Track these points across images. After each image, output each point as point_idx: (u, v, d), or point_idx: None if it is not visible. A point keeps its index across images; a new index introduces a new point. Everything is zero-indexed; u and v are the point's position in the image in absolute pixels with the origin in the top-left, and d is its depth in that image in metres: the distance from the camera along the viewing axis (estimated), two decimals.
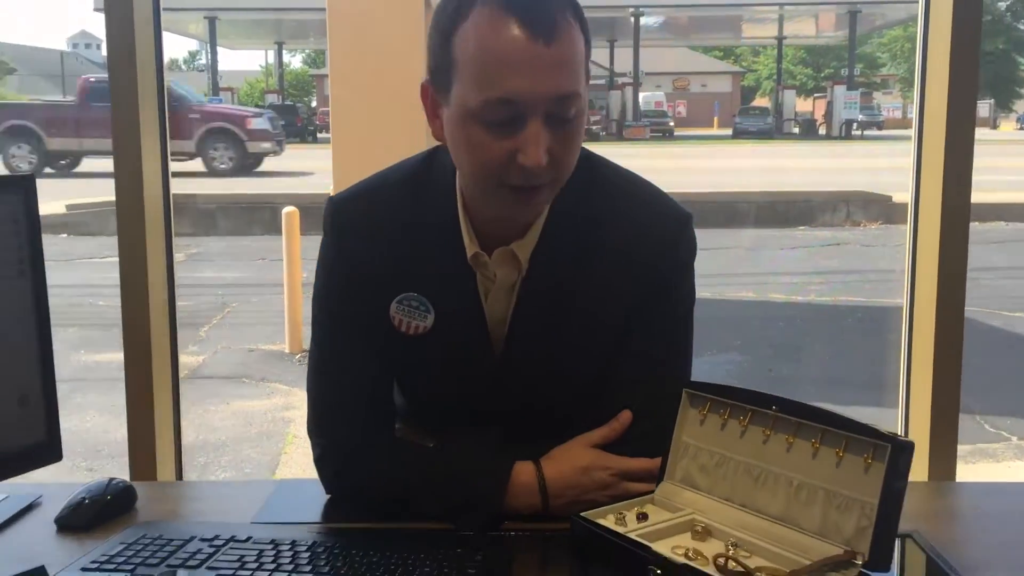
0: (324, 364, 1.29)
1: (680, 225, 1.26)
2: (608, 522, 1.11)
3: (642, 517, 1.12)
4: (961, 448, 4.14)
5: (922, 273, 2.19)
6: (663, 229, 1.25)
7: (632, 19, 29.96)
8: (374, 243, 1.24)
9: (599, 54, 34.04)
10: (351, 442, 1.28)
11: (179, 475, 2.34)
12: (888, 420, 2.42)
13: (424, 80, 1.18)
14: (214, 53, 29.36)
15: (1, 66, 46.46)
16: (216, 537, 1.14)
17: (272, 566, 1.07)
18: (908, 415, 2.25)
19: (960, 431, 2.21)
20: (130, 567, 1.07)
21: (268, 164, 18.18)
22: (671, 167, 16.79)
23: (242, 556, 1.09)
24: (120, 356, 2.21)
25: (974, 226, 2.15)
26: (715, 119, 44.64)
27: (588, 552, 1.10)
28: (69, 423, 4.64)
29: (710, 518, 1.11)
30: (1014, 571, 1.14)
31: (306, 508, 1.29)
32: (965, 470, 4.12)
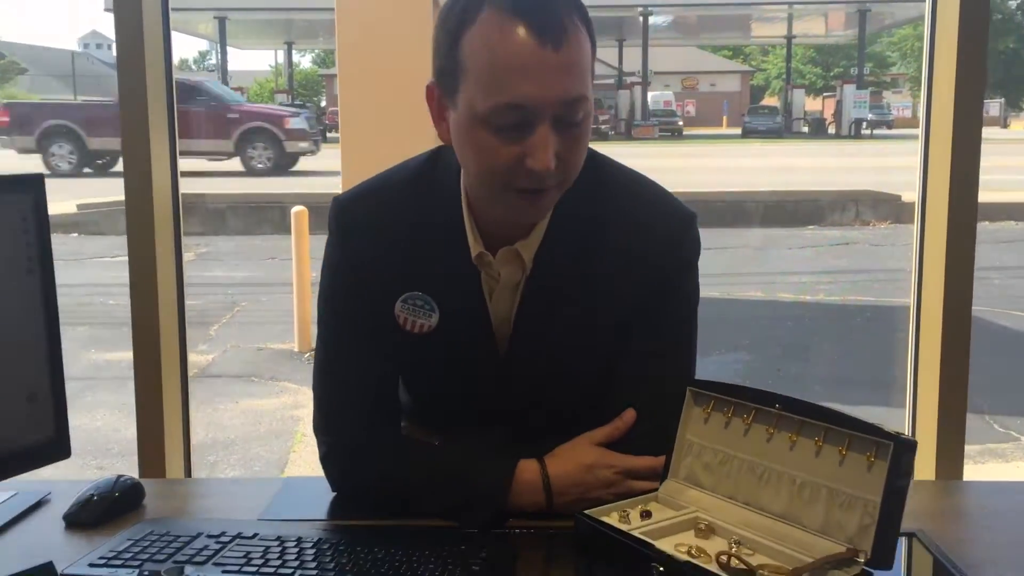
0: (330, 363, 1.30)
1: (684, 224, 1.26)
2: (612, 520, 1.11)
3: (646, 515, 1.13)
4: (970, 448, 4.15)
5: (929, 272, 2.19)
6: (667, 228, 1.25)
7: (641, 18, 29.91)
8: (379, 242, 1.25)
9: (608, 53, 34.03)
10: (357, 440, 1.28)
11: (188, 473, 2.36)
12: (896, 420, 2.41)
13: (430, 82, 1.18)
14: (224, 53, 29.43)
15: (12, 66, 46.67)
16: (223, 534, 1.15)
17: (278, 562, 1.08)
18: (915, 414, 2.24)
19: (969, 431, 2.20)
20: (137, 563, 1.08)
21: (302, 164, 18.22)
22: (680, 166, 16.77)
23: (248, 553, 1.10)
24: (130, 355, 2.22)
25: (984, 225, 2.16)
26: (724, 118, 44.56)
27: (592, 550, 1.11)
28: (79, 421, 4.66)
29: (713, 516, 1.11)
30: (1019, 570, 1.14)
31: (312, 505, 1.30)
32: (974, 470, 4.11)
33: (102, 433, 4.61)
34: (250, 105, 21.06)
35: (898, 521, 0.98)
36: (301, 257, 6.27)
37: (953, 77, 2.08)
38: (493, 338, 1.26)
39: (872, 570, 0.97)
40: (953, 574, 1.10)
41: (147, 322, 2.20)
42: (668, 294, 1.26)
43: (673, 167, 14.64)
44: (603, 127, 29.62)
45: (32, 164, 16.27)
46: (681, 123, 36.87)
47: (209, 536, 1.15)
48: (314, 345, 1.35)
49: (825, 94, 43.11)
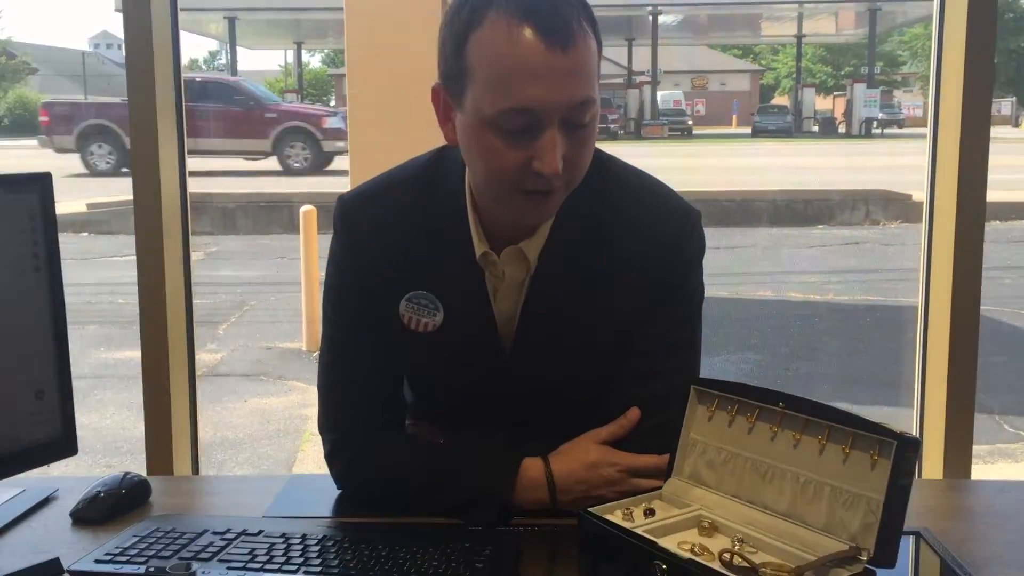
0: (334, 361, 1.30)
1: (688, 223, 1.26)
2: (615, 518, 1.11)
3: (649, 513, 1.13)
4: (980, 448, 4.14)
5: (937, 272, 2.18)
6: (671, 227, 1.26)
7: (650, 18, 29.87)
8: (383, 241, 1.25)
9: (617, 53, 33.97)
10: (361, 438, 1.29)
11: (195, 471, 2.36)
12: (905, 419, 2.41)
13: (435, 83, 1.18)
14: (234, 53, 29.49)
15: (23, 66, 46.88)
16: (228, 530, 1.16)
17: (282, 559, 1.09)
18: (923, 414, 2.24)
19: (979, 431, 2.20)
20: (143, 560, 1.09)
21: (336, 163, 18.27)
22: (689, 166, 16.73)
23: (253, 549, 1.11)
24: (139, 353, 2.23)
25: (995, 225, 2.16)
26: (734, 117, 44.42)
27: (595, 547, 1.11)
28: (88, 420, 4.68)
29: (717, 514, 1.11)
30: None
31: (317, 502, 1.31)
32: (984, 470, 4.10)
33: (111, 431, 4.63)
34: (288, 105, 21.05)
35: (901, 519, 0.98)
36: (310, 256, 6.29)
37: (961, 76, 2.08)
38: (497, 337, 1.26)
39: (875, 568, 0.97)
40: (957, 573, 1.10)
41: (155, 320, 2.22)
42: (672, 292, 1.26)
43: (682, 166, 14.61)
44: (612, 127, 29.55)
45: (70, 164, 16.33)
46: (691, 122, 36.75)
47: (214, 533, 1.15)
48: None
49: (835, 93, 42.95)
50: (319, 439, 1.35)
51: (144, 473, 1.45)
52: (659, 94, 34.52)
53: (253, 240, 11.13)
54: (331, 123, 18.05)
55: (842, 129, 33.63)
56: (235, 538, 1.14)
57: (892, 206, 12.30)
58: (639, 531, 1.07)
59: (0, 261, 1.18)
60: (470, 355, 1.27)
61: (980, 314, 2.17)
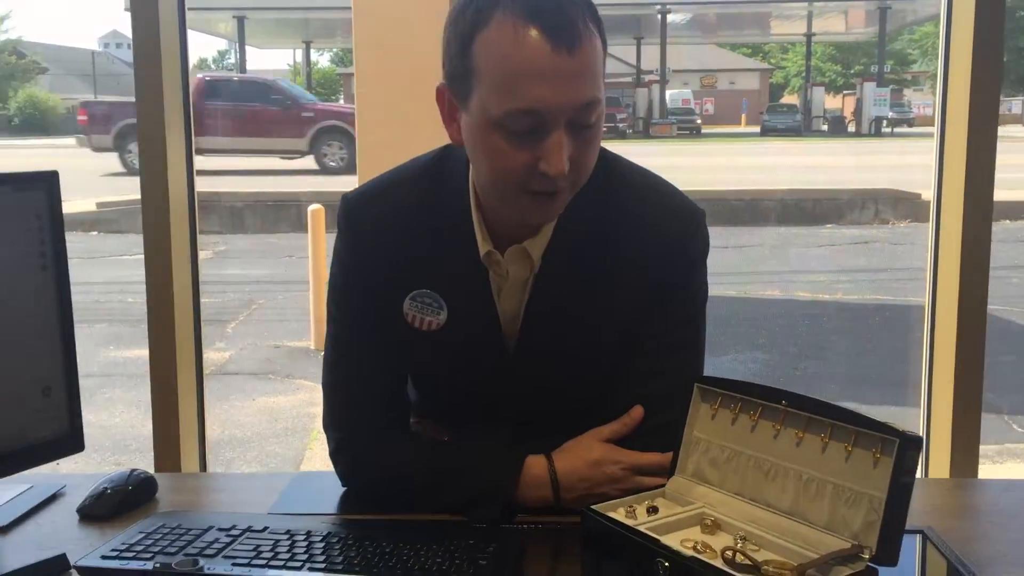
0: (339, 359, 1.31)
1: (692, 222, 1.27)
2: (618, 515, 1.11)
3: (652, 511, 1.13)
4: (989, 448, 4.12)
5: (944, 271, 2.18)
6: (675, 225, 1.26)
7: (659, 16, 29.82)
8: (387, 240, 1.26)
9: (626, 51, 33.92)
10: (365, 436, 1.29)
11: (203, 469, 2.38)
12: (912, 419, 2.41)
13: (440, 84, 1.18)
14: (243, 52, 29.55)
15: (33, 65, 47.05)
16: (233, 527, 1.16)
17: (287, 555, 1.09)
18: (930, 413, 2.24)
19: (988, 431, 2.20)
20: (149, 555, 1.09)
21: None
22: (698, 165, 16.71)
23: (258, 546, 1.11)
24: (148, 352, 2.24)
25: (1005, 224, 2.15)
26: (743, 116, 44.30)
27: (598, 544, 1.11)
28: (97, 418, 4.70)
29: (720, 512, 1.11)
30: None
31: (322, 499, 1.31)
32: (992, 470, 4.08)
33: (119, 429, 4.65)
34: (325, 104, 21.08)
35: (903, 517, 0.98)
36: (318, 255, 6.30)
37: (969, 74, 2.07)
38: (501, 336, 1.26)
39: (877, 567, 0.97)
40: (961, 572, 1.10)
41: (163, 319, 2.23)
42: (676, 292, 1.26)
43: (691, 165, 14.61)
44: (621, 125, 29.52)
45: (108, 163, 16.41)
46: (699, 121, 36.70)
47: (220, 529, 1.16)
48: None
49: (845, 92, 42.84)
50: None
51: (152, 471, 1.46)
52: (668, 93, 34.49)
53: (261, 239, 11.16)
54: None
55: (852, 128, 33.53)
56: (240, 534, 1.15)
57: (902, 205, 12.26)
58: (642, 528, 1.07)
59: (7, 259, 1.19)
60: (474, 354, 1.27)
61: (987, 313, 2.17)
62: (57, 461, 1.33)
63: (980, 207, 2.11)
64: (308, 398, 5.17)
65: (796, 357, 6.13)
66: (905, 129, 34.08)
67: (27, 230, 1.20)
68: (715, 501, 1.13)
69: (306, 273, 6.49)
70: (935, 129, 2.21)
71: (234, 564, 1.07)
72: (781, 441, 1.09)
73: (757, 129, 36.09)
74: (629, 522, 1.09)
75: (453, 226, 1.24)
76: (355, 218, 1.28)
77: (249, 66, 32.49)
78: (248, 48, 30.14)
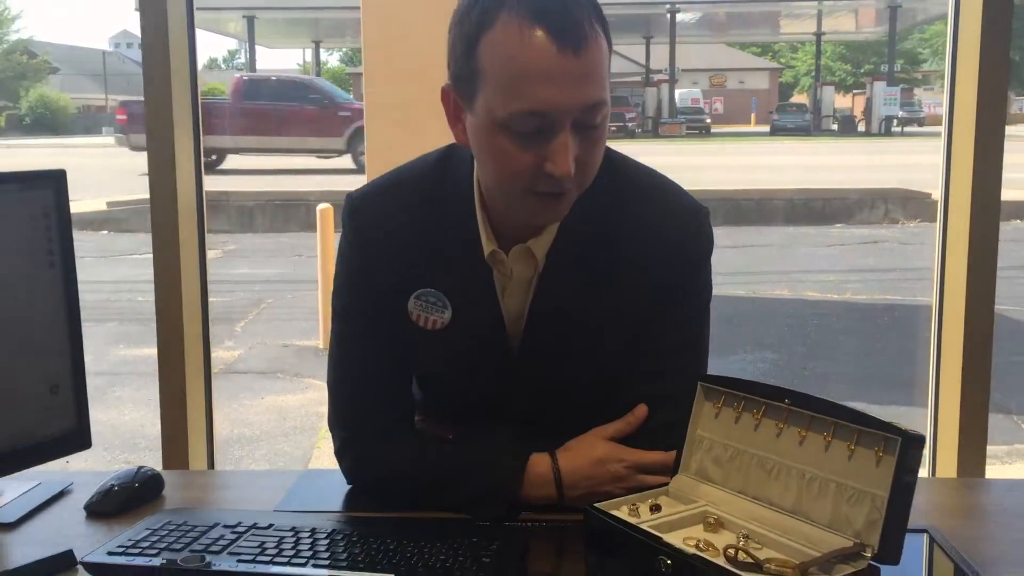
0: (343, 358, 1.31)
1: (696, 222, 1.27)
2: (621, 513, 1.11)
3: (655, 509, 1.13)
4: (998, 449, 4.11)
5: (951, 270, 2.18)
6: (679, 224, 1.26)
7: (668, 15, 29.79)
8: (392, 239, 1.26)
9: (635, 51, 33.91)
10: (370, 434, 1.30)
11: (211, 467, 2.39)
12: (919, 419, 2.40)
13: (445, 84, 1.18)
14: (252, 52, 29.64)
15: (44, 65, 47.25)
16: (239, 524, 1.17)
17: (291, 552, 1.10)
18: (937, 413, 2.23)
19: (997, 432, 2.19)
20: (154, 551, 1.10)
21: None
22: (707, 164, 16.70)
23: (263, 542, 1.12)
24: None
25: (1015, 224, 2.14)
26: (752, 116, 44.24)
27: (601, 542, 1.11)
28: (107, 416, 4.73)
29: (723, 510, 1.12)
30: None
31: (327, 497, 1.32)
32: (1001, 470, 4.07)
33: (129, 428, 4.67)
34: (362, 103, 21.18)
35: (905, 516, 0.98)
36: (326, 254, 6.32)
37: (976, 74, 2.07)
38: (505, 335, 1.27)
39: (879, 565, 0.98)
40: (964, 571, 1.10)
41: (171, 318, 2.24)
42: (680, 290, 1.26)
43: (700, 165, 14.59)
44: (630, 125, 29.50)
45: (144, 163, 16.49)
46: (709, 121, 36.65)
47: (225, 526, 1.16)
48: None
49: (855, 91, 42.75)
50: None
51: (160, 469, 1.47)
52: (677, 92, 34.43)
53: (271, 238, 11.19)
54: None
55: (862, 127, 33.45)
56: (246, 531, 1.15)
57: (911, 205, 12.23)
58: (644, 527, 1.07)
59: (15, 257, 1.20)
60: (478, 353, 1.27)
61: (996, 313, 2.16)
62: (67, 459, 1.34)
63: (988, 206, 2.10)
64: (317, 397, 5.18)
65: (805, 357, 6.12)
66: (915, 128, 33.97)
67: (35, 228, 1.21)
68: (718, 499, 1.14)
69: (315, 272, 6.50)
70: (943, 128, 2.21)
71: (239, 560, 1.08)
72: (784, 440, 1.10)
73: (767, 128, 36.04)
74: (632, 520, 1.10)
75: (457, 225, 1.24)
76: (359, 217, 1.28)
77: (259, 66, 32.55)
78: (258, 48, 30.19)
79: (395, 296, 1.26)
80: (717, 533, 1.09)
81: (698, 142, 29.46)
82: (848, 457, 1.03)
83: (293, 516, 1.22)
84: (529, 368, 1.27)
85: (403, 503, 1.25)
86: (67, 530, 1.23)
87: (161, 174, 2.21)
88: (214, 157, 18.32)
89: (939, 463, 2.20)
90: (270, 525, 1.17)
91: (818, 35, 35.29)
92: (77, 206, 11.36)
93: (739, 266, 8.71)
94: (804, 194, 12.61)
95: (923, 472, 1.14)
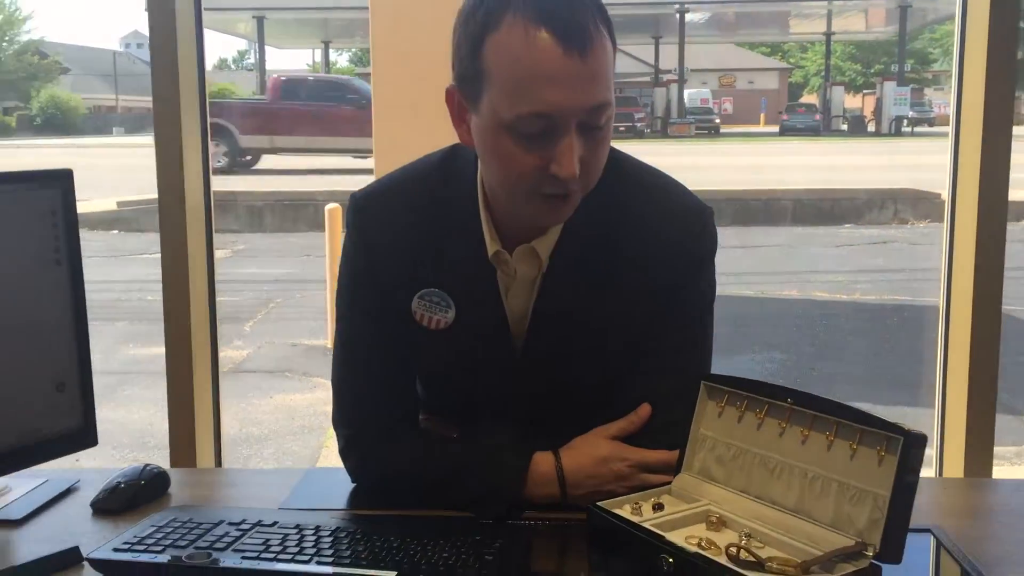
0: (348, 357, 1.32)
1: (699, 222, 1.27)
2: (624, 512, 1.12)
3: (658, 507, 1.14)
4: (1007, 449, 4.09)
5: (959, 271, 2.17)
6: (682, 224, 1.26)
7: (677, 15, 29.77)
8: (396, 239, 1.26)
9: (644, 51, 33.87)
10: (374, 433, 1.30)
11: (218, 465, 2.40)
12: (926, 419, 2.40)
13: (450, 85, 1.18)
14: (262, 52, 29.75)
15: (55, 66, 47.42)
16: (243, 521, 1.18)
17: (295, 549, 1.10)
18: (944, 412, 2.23)
19: (1007, 432, 2.19)
20: (160, 548, 1.11)
21: None
22: (716, 164, 16.67)
23: (268, 540, 1.13)
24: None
25: None
26: (762, 116, 44.13)
27: (604, 541, 1.12)
28: (116, 415, 4.75)
29: (725, 509, 1.12)
30: None
31: (332, 495, 1.32)
32: (1010, 471, 4.05)
33: (138, 426, 4.69)
34: None
35: (907, 516, 0.98)
36: (335, 254, 6.30)
37: (983, 74, 2.07)
38: (509, 334, 1.27)
39: (881, 564, 0.98)
40: (967, 570, 1.10)
41: (179, 317, 2.25)
42: (683, 290, 1.26)
43: (709, 165, 14.58)
44: (639, 125, 29.46)
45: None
46: (718, 121, 36.58)
47: (230, 523, 1.17)
48: None
49: (865, 91, 42.59)
50: None
51: (167, 467, 1.48)
52: (686, 92, 34.37)
53: (280, 238, 11.22)
54: None
55: (872, 127, 33.33)
56: (250, 528, 1.16)
57: (921, 205, 12.20)
58: (647, 525, 1.08)
59: (22, 255, 1.21)
60: (481, 353, 1.28)
61: (1004, 313, 2.16)
62: (76, 457, 1.35)
63: (995, 207, 2.10)
64: (325, 396, 5.20)
65: (813, 357, 6.11)
66: (925, 128, 33.84)
67: (42, 226, 1.22)
68: (720, 498, 1.14)
69: (323, 272, 6.52)
70: (950, 128, 2.21)
71: (244, 557, 1.09)
72: (787, 439, 1.10)
73: (776, 129, 35.95)
74: (635, 519, 1.10)
75: (461, 225, 1.25)
76: (364, 216, 1.29)
77: (268, 66, 32.63)
78: (267, 48, 30.29)
79: (399, 296, 1.27)
80: (719, 532, 1.09)
81: (707, 142, 29.41)
82: (850, 456, 1.03)
83: (297, 514, 1.22)
84: (533, 368, 1.27)
85: (407, 501, 1.25)
86: (73, 527, 1.24)
87: (169, 174, 2.22)
88: (249, 157, 18.39)
89: (946, 463, 2.20)
90: (275, 522, 1.17)
91: (828, 35, 35.17)
92: (87, 206, 11.41)
93: (748, 266, 8.70)
94: (813, 194, 12.59)
95: (930, 472, 1.14)
